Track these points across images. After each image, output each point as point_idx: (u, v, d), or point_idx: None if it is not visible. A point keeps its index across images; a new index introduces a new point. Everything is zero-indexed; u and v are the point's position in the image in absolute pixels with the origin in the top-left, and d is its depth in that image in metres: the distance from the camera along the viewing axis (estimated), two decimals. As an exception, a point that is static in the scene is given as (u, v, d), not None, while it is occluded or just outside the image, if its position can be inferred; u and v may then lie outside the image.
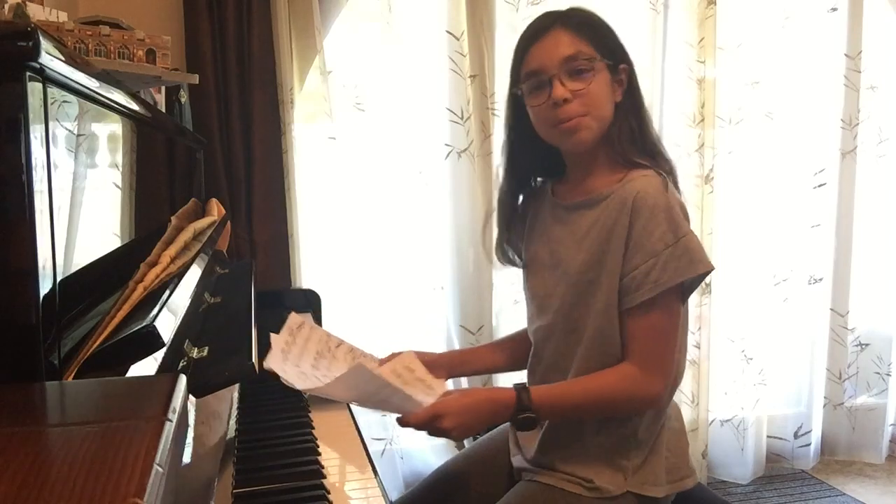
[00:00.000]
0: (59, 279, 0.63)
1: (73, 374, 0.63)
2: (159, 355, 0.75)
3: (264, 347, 1.53)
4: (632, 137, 1.21)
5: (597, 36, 1.19)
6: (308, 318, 1.36)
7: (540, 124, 1.22)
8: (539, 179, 1.36)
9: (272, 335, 1.26)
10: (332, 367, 1.28)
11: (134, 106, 1.01)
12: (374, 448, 2.26)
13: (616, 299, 1.16)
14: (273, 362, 1.23)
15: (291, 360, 1.25)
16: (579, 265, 1.20)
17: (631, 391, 1.15)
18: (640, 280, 1.14)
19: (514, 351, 1.42)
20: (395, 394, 1.07)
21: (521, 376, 1.34)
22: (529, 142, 1.27)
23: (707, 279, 2.09)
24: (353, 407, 1.35)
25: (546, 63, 1.18)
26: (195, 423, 0.75)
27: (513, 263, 1.39)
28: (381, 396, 1.09)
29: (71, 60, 0.68)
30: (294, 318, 1.34)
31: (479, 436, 1.46)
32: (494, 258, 1.40)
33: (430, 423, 1.09)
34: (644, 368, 1.14)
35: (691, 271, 1.13)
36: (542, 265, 1.29)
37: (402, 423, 1.12)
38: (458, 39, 2.29)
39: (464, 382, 2.22)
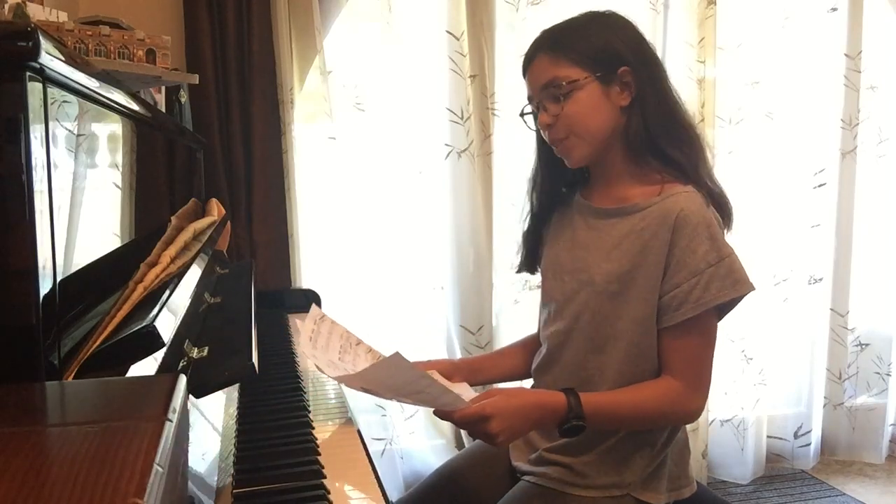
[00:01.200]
0: (59, 279, 0.63)
1: (73, 374, 0.63)
2: (159, 355, 0.75)
3: (264, 347, 1.53)
4: (647, 138, 1.18)
5: (579, 51, 1.17)
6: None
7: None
8: (564, 190, 1.35)
9: (297, 321, 1.26)
10: (357, 364, 1.28)
11: (134, 106, 1.01)
12: (374, 448, 2.26)
13: (652, 314, 1.16)
14: (304, 347, 1.23)
15: (320, 350, 1.24)
16: (606, 275, 1.19)
17: (674, 405, 1.16)
18: (681, 298, 1.13)
19: (527, 357, 1.39)
20: (431, 386, 1.04)
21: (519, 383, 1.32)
22: (551, 158, 1.27)
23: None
24: (352, 407, 1.35)
25: (532, 91, 1.23)
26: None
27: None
28: (416, 388, 1.06)
29: (71, 60, 0.68)
30: (316, 310, 1.34)
31: None
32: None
33: (476, 424, 1.06)
34: (687, 384, 1.15)
35: (733, 292, 1.13)
36: (561, 269, 1.27)
37: (443, 416, 1.10)
38: (458, 39, 2.29)
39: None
